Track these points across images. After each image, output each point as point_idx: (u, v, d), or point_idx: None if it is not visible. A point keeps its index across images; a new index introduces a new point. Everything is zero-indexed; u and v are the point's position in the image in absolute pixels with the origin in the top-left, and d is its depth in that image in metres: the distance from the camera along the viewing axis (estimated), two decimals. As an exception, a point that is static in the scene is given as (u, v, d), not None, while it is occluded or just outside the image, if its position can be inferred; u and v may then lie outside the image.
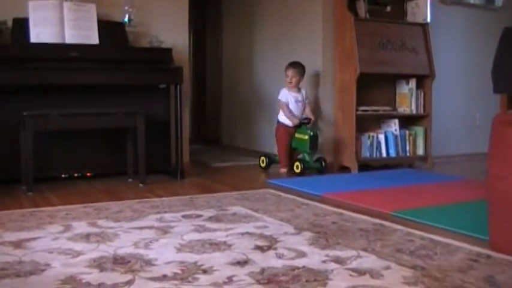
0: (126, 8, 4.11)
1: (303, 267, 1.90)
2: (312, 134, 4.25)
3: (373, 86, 4.78)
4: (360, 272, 1.85)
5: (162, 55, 4.06)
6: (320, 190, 3.50)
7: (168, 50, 4.09)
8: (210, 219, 2.68)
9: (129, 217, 2.71)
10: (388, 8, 4.93)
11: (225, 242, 2.23)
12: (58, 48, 3.73)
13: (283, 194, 3.40)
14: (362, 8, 4.69)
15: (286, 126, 4.41)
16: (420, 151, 4.89)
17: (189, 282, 1.74)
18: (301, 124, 4.35)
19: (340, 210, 2.91)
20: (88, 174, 3.98)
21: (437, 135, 4.99)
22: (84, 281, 1.75)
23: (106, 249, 2.12)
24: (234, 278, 1.77)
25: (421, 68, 4.83)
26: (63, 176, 3.91)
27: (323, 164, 4.35)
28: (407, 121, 4.92)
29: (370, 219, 2.69)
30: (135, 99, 4.04)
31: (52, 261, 1.96)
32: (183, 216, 2.73)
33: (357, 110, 4.49)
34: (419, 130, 4.89)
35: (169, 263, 1.94)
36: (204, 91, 7.26)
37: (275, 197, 3.33)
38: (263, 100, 5.61)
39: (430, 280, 1.77)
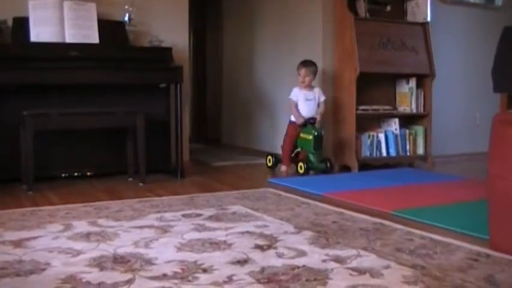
0: (126, 7, 4.11)
1: (303, 266, 1.90)
2: (316, 133, 4.22)
3: (373, 86, 4.78)
4: (360, 271, 1.85)
5: (162, 54, 4.06)
6: (320, 189, 3.50)
7: (168, 49, 4.09)
8: (210, 218, 2.68)
9: (129, 216, 2.71)
10: (388, 8, 4.93)
11: (225, 241, 2.23)
12: (58, 48, 3.73)
13: (283, 193, 3.40)
14: (362, 8, 4.69)
15: (295, 124, 4.40)
16: (420, 150, 4.89)
17: (189, 281, 1.74)
18: (307, 123, 4.32)
19: (340, 210, 2.91)
20: (88, 173, 3.99)
21: (437, 135, 4.99)
22: (84, 280, 1.75)
23: (106, 249, 2.12)
24: (234, 277, 1.77)
25: (421, 68, 4.83)
26: (63, 175, 3.92)
27: (328, 164, 4.32)
28: (407, 120, 4.92)
29: (370, 219, 2.69)
30: (135, 99, 4.05)
31: (52, 260, 1.96)
32: (183, 216, 2.73)
33: (357, 110, 4.49)
34: (419, 129, 4.89)
35: (169, 262, 1.95)
36: (204, 91, 7.27)
37: (275, 196, 3.33)
38: (263, 100, 5.61)
39: (430, 279, 1.77)
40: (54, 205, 3.01)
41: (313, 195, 3.36)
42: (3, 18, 3.74)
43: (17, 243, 2.19)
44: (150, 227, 2.49)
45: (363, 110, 4.58)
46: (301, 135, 4.32)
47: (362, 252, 2.09)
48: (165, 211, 2.84)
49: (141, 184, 3.72)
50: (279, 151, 4.61)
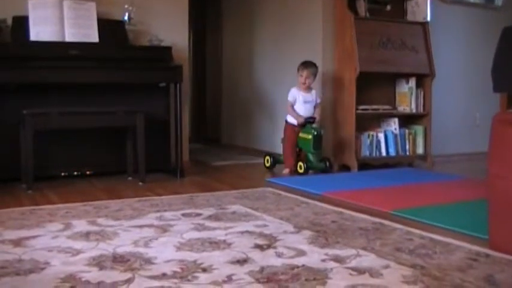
0: (126, 6, 4.11)
1: (303, 266, 1.90)
2: (315, 133, 4.22)
3: (373, 85, 4.78)
4: (360, 271, 1.85)
5: (162, 54, 4.06)
6: (320, 189, 3.50)
7: (168, 49, 4.09)
8: (209, 217, 2.68)
9: (129, 215, 2.71)
10: (388, 7, 4.93)
11: (224, 241, 2.23)
12: (58, 47, 3.73)
13: (283, 193, 3.40)
14: (362, 7, 4.69)
15: (292, 125, 4.39)
16: (420, 150, 4.89)
17: (188, 280, 1.74)
18: (306, 123, 4.32)
19: (339, 209, 2.91)
20: (88, 172, 3.99)
21: (437, 134, 4.99)
22: (83, 279, 1.75)
23: (106, 248, 2.12)
24: (234, 277, 1.77)
25: (421, 67, 4.83)
26: (63, 174, 3.92)
27: (327, 164, 4.32)
28: (407, 120, 4.92)
29: (369, 218, 2.69)
30: (135, 98, 4.05)
31: (52, 259, 1.96)
32: (183, 215, 2.73)
33: (356, 109, 4.49)
34: (419, 129, 4.89)
35: (168, 261, 1.95)
36: (204, 90, 7.27)
37: (275, 195, 3.33)
38: (263, 99, 5.61)
39: (430, 279, 1.77)
40: (53, 204, 3.01)
41: (312, 195, 3.36)
42: (3, 17, 3.74)
43: (17, 242, 2.19)
44: (150, 226, 2.49)
45: (362, 109, 4.58)
46: (301, 135, 4.32)
47: (361, 251, 2.09)
48: (165, 210, 2.84)
49: (140, 183, 3.72)
50: (278, 151, 4.61)
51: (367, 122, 4.73)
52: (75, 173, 3.95)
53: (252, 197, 3.27)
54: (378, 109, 4.73)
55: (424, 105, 4.87)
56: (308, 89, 4.42)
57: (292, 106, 4.39)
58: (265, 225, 2.52)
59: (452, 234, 2.40)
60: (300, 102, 4.38)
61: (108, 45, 3.91)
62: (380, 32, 4.66)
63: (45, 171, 3.77)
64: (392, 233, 2.40)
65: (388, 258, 2.00)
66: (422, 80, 4.88)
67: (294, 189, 3.54)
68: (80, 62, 3.72)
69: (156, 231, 2.40)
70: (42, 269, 1.86)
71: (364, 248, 2.14)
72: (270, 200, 3.19)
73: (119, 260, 1.96)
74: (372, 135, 4.66)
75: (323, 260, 1.97)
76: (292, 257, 2.01)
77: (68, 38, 3.78)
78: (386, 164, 4.76)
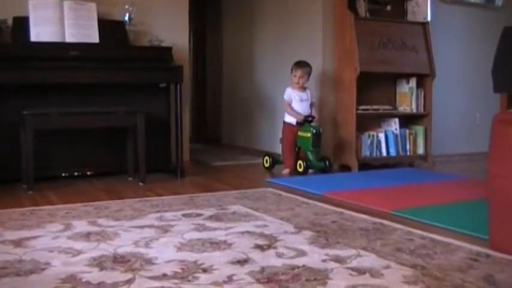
0: (127, 7, 4.12)
1: (303, 266, 1.90)
2: (314, 131, 4.23)
3: (374, 85, 4.78)
4: (360, 271, 1.85)
5: (162, 54, 4.07)
6: (320, 189, 3.50)
7: (168, 49, 4.09)
8: (210, 218, 2.68)
9: (129, 216, 2.71)
10: (389, 7, 4.93)
11: (225, 241, 2.23)
12: (58, 47, 3.74)
13: (283, 193, 3.40)
14: (362, 7, 4.69)
15: (290, 125, 4.40)
16: (420, 150, 4.89)
17: (189, 281, 1.74)
18: (305, 122, 4.33)
19: (340, 209, 2.91)
20: (88, 173, 3.99)
21: (437, 135, 4.99)
22: (84, 279, 1.75)
23: (106, 248, 2.12)
24: (234, 277, 1.77)
25: (422, 67, 4.83)
26: (63, 174, 3.91)
27: (327, 163, 4.32)
28: (407, 120, 4.92)
29: (370, 218, 2.69)
30: (135, 98, 4.05)
31: (52, 260, 1.96)
32: (183, 215, 2.73)
33: (357, 109, 4.49)
34: (419, 129, 4.89)
35: (169, 261, 1.95)
36: (204, 91, 7.27)
37: (275, 196, 3.33)
38: (263, 99, 5.61)
39: (430, 279, 1.77)
40: (54, 205, 3.02)
41: (313, 195, 3.36)
42: (3, 18, 3.74)
43: (17, 243, 2.19)
44: (150, 226, 2.49)
45: (363, 109, 4.58)
46: (300, 133, 4.33)
47: (362, 252, 2.09)
48: (165, 211, 2.84)
49: (141, 184, 3.72)
50: (278, 151, 4.61)
51: (367, 122, 4.73)
52: (76, 173, 3.95)
53: (252, 197, 3.27)
54: (378, 109, 4.73)
55: (424, 105, 4.87)
56: (302, 88, 4.43)
57: (290, 104, 4.40)
58: (265, 226, 2.52)
59: (453, 234, 2.40)
60: (296, 100, 4.40)
61: (108, 46, 3.91)
62: (380, 32, 4.66)
63: (45, 172, 3.77)
64: (392, 233, 2.40)
65: (388, 259, 2.00)
66: (423, 80, 4.88)
67: (294, 190, 3.54)
68: (80, 62, 3.73)
69: (157, 231, 2.40)
70: (43, 269, 1.86)
71: (365, 248, 2.14)
72: (270, 200, 3.19)
73: (119, 260, 1.96)
74: (373, 135, 4.66)
75: (323, 260, 1.97)
76: (292, 257, 2.01)
77: (68, 39, 3.78)
78: (386, 164, 4.76)
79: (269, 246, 2.16)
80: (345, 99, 4.57)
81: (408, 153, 4.83)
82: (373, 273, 1.83)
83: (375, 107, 4.71)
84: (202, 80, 7.27)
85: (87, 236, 2.31)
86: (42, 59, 3.59)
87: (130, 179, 3.92)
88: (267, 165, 4.56)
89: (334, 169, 4.45)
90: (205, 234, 2.34)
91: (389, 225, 2.56)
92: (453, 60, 5.39)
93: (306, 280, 1.75)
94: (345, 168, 4.57)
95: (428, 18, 4.89)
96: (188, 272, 1.83)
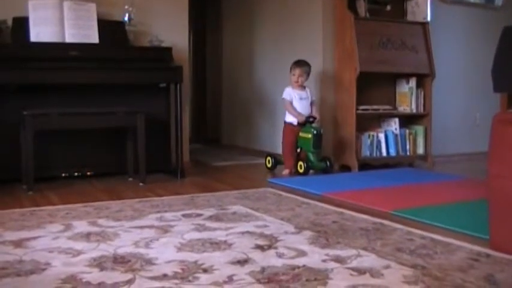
0: (126, 7, 4.11)
1: (303, 266, 1.90)
2: (315, 132, 4.22)
3: (373, 85, 4.78)
4: (360, 271, 1.85)
5: (162, 54, 4.06)
6: (320, 189, 3.50)
7: (168, 49, 4.09)
8: (210, 218, 2.68)
9: (130, 216, 2.71)
10: (388, 7, 4.93)
11: (225, 241, 2.23)
12: (58, 48, 3.74)
13: (283, 193, 3.40)
14: (362, 7, 4.69)
15: (291, 125, 4.39)
16: (420, 150, 4.89)
17: (189, 281, 1.74)
18: (306, 122, 4.32)
19: (340, 210, 2.91)
20: (88, 173, 3.98)
21: (437, 134, 4.99)
22: (84, 280, 1.75)
23: (106, 249, 2.12)
24: (234, 277, 1.77)
25: (421, 67, 4.83)
26: (63, 175, 3.91)
27: (328, 163, 4.32)
28: (407, 120, 4.92)
29: (370, 219, 2.69)
30: (135, 99, 4.05)
31: (52, 260, 1.96)
32: (183, 216, 2.73)
33: (357, 109, 4.49)
34: (419, 129, 4.89)
35: (169, 262, 1.95)
36: (204, 91, 7.27)
37: (275, 196, 3.33)
38: (263, 99, 5.61)
39: (430, 279, 1.77)
40: (54, 205, 3.02)
41: (313, 195, 3.36)
42: (3, 18, 3.74)
43: (17, 243, 2.19)
44: (151, 227, 2.49)
45: (363, 109, 4.58)
46: (301, 134, 4.32)
47: (362, 252, 2.09)
48: (165, 211, 2.84)
49: (141, 184, 3.72)
50: (279, 151, 4.61)
51: (367, 122, 4.73)
52: (76, 173, 3.95)
53: (252, 197, 3.27)
54: (378, 109, 4.73)
55: (424, 105, 4.87)
56: (301, 87, 4.43)
57: (291, 103, 4.39)
58: (265, 226, 2.52)
59: (453, 234, 2.40)
60: (296, 99, 4.39)
61: (108, 46, 3.91)
62: (380, 32, 4.66)
63: (45, 172, 3.77)
64: (392, 233, 2.40)
65: (388, 259, 2.00)
66: (423, 80, 4.88)
67: (294, 190, 3.54)
68: (80, 62, 3.72)
69: (157, 231, 2.40)
70: (43, 270, 1.86)
71: (365, 248, 2.14)
72: (270, 200, 3.19)
73: (119, 260, 1.96)
74: (372, 136, 4.66)
75: (324, 261, 1.97)
76: (293, 258, 2.01)
77: (68, 39, 3.78)
78: (386, 164, 4.76)
79: (269, 247, 2.16)
80: (345, 99, 4.57)
81: (408, 153, 4.83)
82: (374, 273, 1.83)
83: (375, 107, 4.71)
84: (202, 80, 7.27)
85: (87, 236, 2.31)
86: (42, 59, 3.59)
87: (130, 179, 3.92)
88: (269, 165, 4.56)
89: (334, 169, 4.44)
90: (205, 235, 2.34)
91: (390, 225, 2.56)
92: (453, 60, 5.39)
93: (306, 280, 1.75)
94: (345, 168, 4.57)
95: (428, 18, 4.89)
96: (188, 272, 1.83)
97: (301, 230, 2.44)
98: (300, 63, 4.42)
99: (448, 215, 2.78)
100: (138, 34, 4.20)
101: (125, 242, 2.21)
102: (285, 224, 2.56)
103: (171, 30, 4.35)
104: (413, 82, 4.82)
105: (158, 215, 2.75)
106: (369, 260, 1.99)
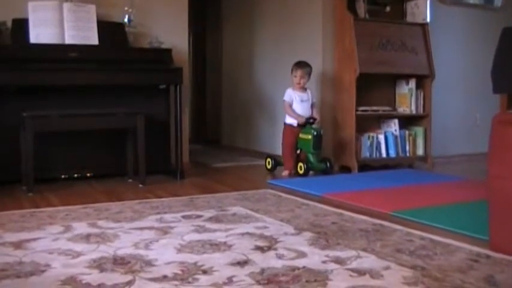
0: (126, 8, 4.11)
1: (303, 267, 1.90)
2: (315, 133, 4.22)
3: (373, 86, 4.78)
4: (360, 272, 1.85)
5: (162, 55, 4.06)
6: (320, 190, 3.50)
7: (168, 51, 4.09)
8: (210, 219, 2.68)
9: (129, 218, 2.71)
10: (388, 8, 4.93)
11: (225, 243, 2.23)
12: (58, 49, 3.74)
13: (283, 195, 3.40)
14: (362, 8, 4.69)
15: (291, 126, 4.39)
16: (420, 151, 4.89)
17: (189, 282, 1.74)
18: (306, 124, 4.32)
19: (340, 211, 2.91)
20: (88, 174, 3.98)
21: (437, 136, 4.99)
22: (84, 281, 1.75)
23: (106, 250, 2.12)
24: (234, 279, 1.77)
25: (421, 68, 4.83)
26: (63, 176, 3.91)
27: (328, 164, 4.32)
28: (407, 121, 4.92)
29: (370, 220, 2.69)
30: (135, 100, 4.05)
31: (52, 261, 1.96)
32: (183, 217, 2.73)
33: (356, 110, 4.50)
34: (419, 130, 4.89)
35: (169, 263, 1.95)
36: (204, 92, 7.27)
37: (275, 197, 3.33)
38: (263, 100, 5.61)
39: (430, 280, 1.77)
40: (54, 206, 3.01)
41: (313, 196, 3.36)
42: (2, 20, 3.74)
43: (17, 245, 2.19)
44: (150, 228, 2.49)
45: (362, 110, 4.58)
46: (301, 135, 4.32)
47: (362, 253, 2.09)
48: (165, 212, 2.84)
49: (140, 185, 3.72)
50: (279, 152, 4.61)
51: (367, 123, 4.73)
52: (76, 175, 3.95)
53: (252, 198, 3.27)
54: (378, 110, 4.73)
55: (424, 106, 4.88)
56: (303, 89, 4.43)
57: (290, 106, 4.39)
58: (265, 227, 2.52)
59: (453, 235, 2.40)
60: (297, 101, 4.39)
61: (108, 48, 3.91)
62: (380, 33, 4.66)
63: (45, 174, 3.76)
64: (392, 234, 2.40)
65: (388, 260, 2.00)
66: (422, 81, 4.88)
67: (294, 191, 3.54)
68: (80, 64, 3.73)
69: (157, 233, 2.40)
70: (43, 271, 1.86)
71: (365, 249, 2.14)
72: (270, 201, 3.19)
73: (119, 262, 1.96)
74: (372, 137, 4.66)
75: (323, 262, 1.97)
76: (292, 259, 2.01)
77: (68, 41, 3.79)
78: (386, 165, 4.77)
79: (269, 248, 2.16)
80: (345, 100, 4.57)
81: (408, 154, 4.83)
82: (373, 274, 1.83)
83: (375, 108, 4.71)
84: (202, 81, 7.27)
85: (87, 237, 2.31)
86: (42, 60, 3.59)
87: (130, 180, 3.92)
88: (269, 167, 4.56)
89: (334, 170, 4.44)
90: (205, 236, 2.34)
91: (389, 226, 2.56)
92: (452, 61, 5.40)
93: (306, 281, 1.75)
94: (345, 169, 4.57)
95: (428, 19, 4.89)
96: (188, 273, 1.83)
97: (301, 231, 2.44)
98: (302, 65, 4.42)
99: (447, 216, 2.78)
100: (138, 35, 4.20)
101: (124, 244, 2.21)
102: (284, 225, 2.56)
103: (171, 32, 4.35)
104: (413, 83, 4.83)
105: (158, 216, 2.75)
106: (368, 261, 1.99)
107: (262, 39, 5.73)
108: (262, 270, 1.86)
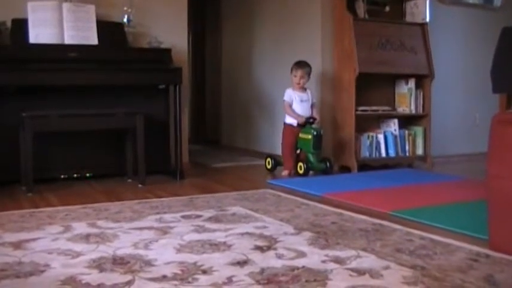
0: (125, 8, 4.11)
1: (303, 267, 1.90)
2: (315, 133, 4.22)
3: (373, 86, 4.78)
4: (360, 272, 1.85)
5: (161, 55, 4.06)
6: (320, 190, 3.50)
7: (168, 51, 4.09)
8: (209, 219, 2.68)
9: (129, 218, 2.71)
10: (387, 8, 4.93)
11: (224, 243, 2.23)
12: (57, 49, 3.74)
13: (283, 194, 3.40)
14: (361, 8, 4.69)
15: (291, 126, 4.39)
16: (419, 151, 4.89)
17: (188, 282, 1.74)
18: (306, 124, 4.32)
19: (339, 210, 2.91)
20: (87, 174, 3.98)
21: (436, 135, 4.99)
22: (83, 281, 1.75)
23: (106, 250, 2.12)
24: (234, 279, 1.77)
25: (420, 68, 4.83)
26: (62, 176, 3.91)
27: (328, 164, 4.32)
28: (406, 121, 4.92)
29: (369, 219, 2.69)
30: (134, 100, 4.04)
31: (52, 261, 1.96)
32: (183, 217, 2.73)
33: (356, 110, 4.50)
34: (418, 130, 4.89)
35: (168, 263, 1.95)
36: (204, 92, 7.27)
37: (275, 197, 3.33)
38: (263, 100, 5.61)
39: (430, 280, 1.77)
40: (53, 207, 3.01)
41: (312, 196, 3.36)
42: (2, 20, 3.74)
43: (17, 245, 2.19)
44: (150, 228, 2.49)
45: (362, 110, 4.58)
46: (301, 135, 4.32)
47: (361, 252, 2.09)
48: (165, 212, 2.84)
49: (140, 185, 3.72)
50: (279, 152, 4.61)
51: (366, 123, 4.73)
52: (75, 175, 3.95)
53: (252, 198, 3.27)
54: (378, 110, 4.73)
55: (423, 106, 4.88)
56: (302, 88, 4.43)
57: (290, 106, 4.39)
58: (265, 227, 2.52)
59: (452, 234, 2.40)
60: (297, 101, 4.39)
61: (107, 48, 3.91)
62: (379, 33, 4.66)
63: (44, 174, 3.76)
64: (392, 234, 2.40)
65: (388, 259, 2.00)
66: (422, 80, 4.88)
67: (294, 191, 3.54)
68: (79, 64, 3.73)
69: (156, 233, 2.40)
70: (42, 271, 1.86)
71: (364, 249, 2.14)
72: (270, 201, 3.19)
73: (119, 262, 1.96)
74: (372, 136, 4.66)
75: (323, 261, 1.97)
76: (292, 259, 2.01)
77: (67, 41, 3.79)
78: (386, 165, 4.77)
79: (269, 248, 2.16)
80: (344, 100, 4.57)
81: (407, 154, 4.83)
82: (373, 274, 1.83)
83: (374, 107, 4.71)
84: (201, 81, 7.27)
85: (86, 237, 2.31)
86: (41, 61, 3.59)
87: (129, 180, 3.92)
88: (269, 166, 4.55)
89: (334, 170, 4.44)
90: (204, 236, 2.34)
91: (389, 226, 2.56)
92: (452, 60, 5.40)
93: (306, 281, 1.75)
94: (345, 169, 4.57)
95: (427, 19, 4.89)
96: (188, 273, 1.83)
97: (300, 231, 2.44)
98: (301, 65, 4.41)
99: (447, 216, 2.78)
100: (137, 35, 4.20)
101: (124, 244, 2.21)
102: (284, 225, 2.56)
103: (170, 32, 4.35)
104: (412, 83, 4.83)
105: (157, 216, 2.74)
106: (368, 260, 1.99)
107: (261, 39, 5.73)
108: (262, 270, 1.86)
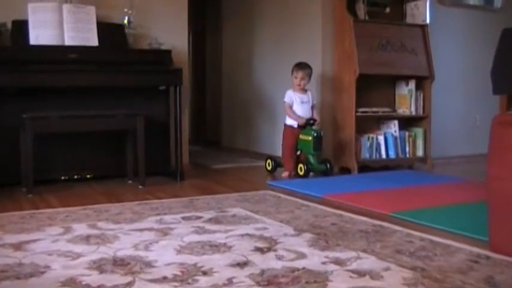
0: (126, 10, 4.11)
1: (303, 268, 1.90)
2: (315, 134, 4.22)
3: (373, 87, 4.78)
4: (360, 273, 1.85)
5: (161, 57, 4.07)
6: (320, 191, 3.50)
7: (168, 52, 4.09)
8: (209, 220, 2.68)
9: (129, 219, 2.71)
10: (388, 9, 4.94)
11: (224, 244, 2.23)
12: (57, 51, 3.74)
13: (283, 196, 3.40)
14: (361, 10, 4.69)
15: (291, 128, 4.39)
16: (420, 152, 4.89)
17: (188, 284, 1.74)
18: (307, 125, 4.32)
19: (339, 212, 2.91)
20: (88, 176, 3.98)
21: (436, 137, 4.99)
22: (84, 283, 1.75)
23: (106, 251, 2.12)
24: (234, 280, 1.77)
25: (421, 69, 4.83)
26: (62, 178, 3.91)
27: (328, 165, 4.32)
28: (406, 122, 4.92)
29: (369, 221, 2.69)
30: (134, 101, 4.04)
31: (52, 263, 1.96)
32: (183, 218, 2.73)
33: (356, 111, 4.50)
34: (418, 131, 4.89)
35: (169, 264, 1.95)
36: (204, 93, 7.27)
37: (275, 198, 3.33)
38: (263, 101, 5.61)
39: (430, 281, 1.77)
40: (53, 208, 3.01)
41: (312, 198, 3.36)
42: (2, 21, 3.74)
43: (17, 246, 2.19)
44: (150, 229, 2.49)
45: (362, 112, 4.58)
46: (301, 136, 4.32)
47: (362, 254, 2.09)
48: (165, 214, 2.84)
49: (140, 187, 3.72)
50: (279, 154, 4.61)
51: (367, 124, 4.73)
52: (75, 176, 3.95)
53: (252, 199, 3.27)
54: (378, 111, 4.73)
55: (423, 108, 4.87)
56: (303, 90, 4.43)
57: (291, 107, 4.39)
58: (265, 228, 2.52)
59: (453, 236, 2.40)
60: (297, 103, 4.39)
61: (107, 49, 3.91)
62: (379, 34, 4.66)
63: (45, 175, 3.76)
64: (392, 235, 2.40)
65: (388, 261, 2.00)
66: (422, 82, 4.88)
67: (294, 192, 3.54)
68: (80, 65, 3.73)
69: (157, 234, 2.40)
70: (43, 272, 1.86)
71: (365, 251, 2.14)
72: (270, 202, 3.19)
73: (119, 263, 1.96)
74: (372, 138, 4.66)
75: (323, 263, 1.97)
76: (292, 260, 2.01)
77: (68, 42, 3.79)
78: (386, 166, 4.76)
79: (269, 249, 2.16)
80: (344, 102, 4.57)
81: (408, 156, 4.83)
82: (373, 275, 1.83)
83: (374, 109, 4.71)
84: (202, 82, 7.28)
85: (86, 239, 2.31)
86: (42, 62, 3.60)
87: (129, 182, 3.92)
88: (269, 168, 4.55)
89: (334, 172, 4.44)
90: (205, 237, 2.34)
91: (389, 227, 2.56)
92: (452, 62, 5.40)
93: (306, 283, 1.75)
94: (345, 170, 4.57)
95: (427, 21, 4.89)
96: (188, 274, 1.83)
97: (300, 233, 2.44)
98: (302, 66, 4.41)
99: (447, 217, 2.78)
100: (138, 37, 4.20)
101: (124, 245, 2.21)
102: (284, 227, 2.56)
103: (170, 33, 4.35)
104: (412, 84, 4.83)
105: (158, 217, 2.75)
106: (368, 262, 1.99)
107: (262, 40, 5.73)
108: (262, 272, 1.86)
